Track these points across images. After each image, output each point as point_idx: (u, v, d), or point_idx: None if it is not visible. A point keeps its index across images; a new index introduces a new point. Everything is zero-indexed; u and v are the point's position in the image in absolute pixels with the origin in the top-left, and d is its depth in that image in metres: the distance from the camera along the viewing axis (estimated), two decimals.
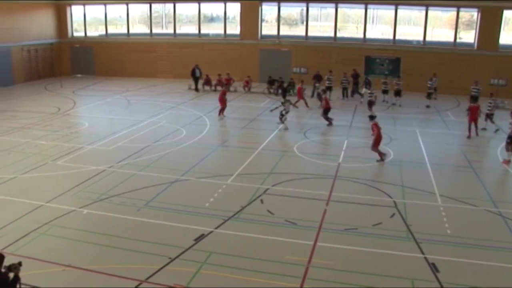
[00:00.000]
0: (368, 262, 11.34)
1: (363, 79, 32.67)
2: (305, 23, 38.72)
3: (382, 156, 18.99)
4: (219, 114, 26.18)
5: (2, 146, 21.07)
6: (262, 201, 14.92)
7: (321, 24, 41.29)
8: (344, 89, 32.17)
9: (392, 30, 36.59)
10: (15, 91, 35.93)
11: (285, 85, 33.43)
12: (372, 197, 15.26)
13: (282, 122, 24.08)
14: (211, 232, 12.88)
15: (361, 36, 37.35)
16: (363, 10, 36.98)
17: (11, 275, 8.28)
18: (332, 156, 19.61)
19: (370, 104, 27.17)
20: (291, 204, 14.85)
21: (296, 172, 17.62)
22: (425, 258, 11.51)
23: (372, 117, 20.40)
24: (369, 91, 28.05)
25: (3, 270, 8.21)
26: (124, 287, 10.33)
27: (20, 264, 8.36)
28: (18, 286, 8.38)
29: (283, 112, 24.11)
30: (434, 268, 11.04)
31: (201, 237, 12.57)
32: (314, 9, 39.59)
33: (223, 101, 26.29)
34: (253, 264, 11.18)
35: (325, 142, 21.70)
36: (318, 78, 32.51)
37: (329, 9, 38.72)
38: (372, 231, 12.93)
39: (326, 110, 25.18)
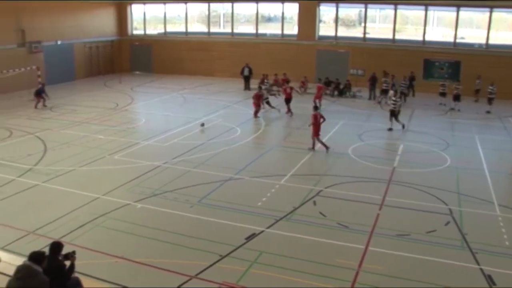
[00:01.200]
0: (420, 270, 11.14)
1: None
2: (363, 24, 38.33)
3: (325, 147, 20.32)
4: (255, 116, 26.25)
5: (63, 139, 21.84)
6: (314, 203, 14.92)
7: (379, 25, 40.75)
8: (402, 94, 30.95)
9: (453, 32, 35.64)
10: (76, 86, 37.12)
11: (341, 86, 33.27)
12: (426, 204, 14.99)
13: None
14: (262, 231, 12.98)
15: (420, 38, 36.58)
16: (423, 12, 36.17)
17: (68, 263, 8.63)
18: (387, 160, 19.38)
19: (392, 113, 24.31)
20: (344, 207, 14.78)
21: (350, 175, 17.51)
22: (481, 269, 11.19)
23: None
24: (394, 98, 25.28)
25: (60, 258, 8.57)
26: (174, 281, 10.56)
27: (74, 253, 8.72)
28: (73, 274, 8.74)
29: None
30: (490, 280, 10.73)
31: (252, 236, 12.69)
32: (372, 10, 39.08)
33: (257, 105, 26.34)
34: (303, 266, 11.21)
35: (381, 146, 21.44)
36: (373, 80, 32.00)
37: (388, 10, 38.12)
38: (426, 238, 12.71)
39: (287, 100, 27.39)
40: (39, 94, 28.86)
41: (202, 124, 23.82)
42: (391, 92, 28.98)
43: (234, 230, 13.08)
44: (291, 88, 28.48)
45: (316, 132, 20.36)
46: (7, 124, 24.64)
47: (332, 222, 13.56)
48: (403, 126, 23.87)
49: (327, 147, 20.26)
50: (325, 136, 22.44)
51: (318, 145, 20.36)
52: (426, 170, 18.30)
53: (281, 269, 11.02)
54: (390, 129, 23.94)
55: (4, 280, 7.99)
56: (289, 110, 27.20)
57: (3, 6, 32.83)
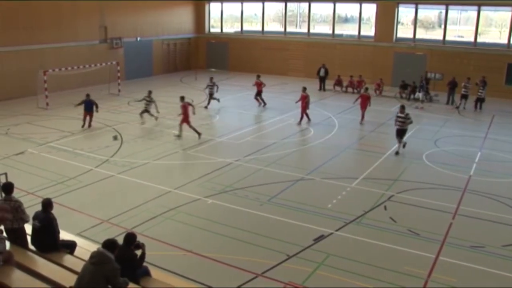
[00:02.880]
0: (493, 285, 10.70)
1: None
2: (443, 26, 37.17)
3: (197, 133, 21.81)
4: (307, 121, 25.45)
5: (138, 133, 22.50)
6: (385, 208, 14.64)
7: (461, 28, 39.42)
8: (478, 100, 29.78)
9: None
10: (153, 82, 38.08)
11: (417, 90, 32.46)
12: (503, 215, 14.33)
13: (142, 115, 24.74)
14: (331, 233, 12.87)
15: (505, 41, 35.01)
16: (510, 13, 34.59)
17: (139, 252, 8.89)
18: (463, 167, 18.68)
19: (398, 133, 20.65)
20: (415, 213, 14.41)
21: (423, 181, 17.05)
22: None
23: (182, 98, 22.21)
24: (400, 115, 22.54)
25: (132, 248, 8.84)
26: (240, 278, 10.64)
27: (143, 245, 8.99)
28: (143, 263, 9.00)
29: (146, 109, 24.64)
30: None
31: (321, 237, 12.61)
32: (454, 12, 37.84)
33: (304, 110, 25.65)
34: (370, 271, 11.03)
35: (457, 153, 20.74)
36: (453, 85, 30.91)
37: (470, 12, 36.83)
38: (502, 252, 12.16)
39: (258, 92, 29.10)
40: (90, 109, 23.66)
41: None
42: (418, 94, 30.44)
43: (302, 230, 13.05)
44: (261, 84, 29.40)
45: (186, 120, 21.72)
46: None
47: (402, 229, 13.25)
48: (404, 145, 20.54)
49: (199, 134, 21.82)
50: None
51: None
52: (505, 180, 17.53)
53: (348, 273, 10.89)
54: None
55: (79, 264, 8.31)
56: (262, 101, 29.34)
57: (89, 4, 34.27)
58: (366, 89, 26.84)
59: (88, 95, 23.82)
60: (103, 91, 32.55)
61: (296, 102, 26.15)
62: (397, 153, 20.16)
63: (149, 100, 24.73)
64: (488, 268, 11.30)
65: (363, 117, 25.63)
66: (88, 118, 23.65)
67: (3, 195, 9.98)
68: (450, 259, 11.66)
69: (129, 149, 20.12)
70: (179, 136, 21.68)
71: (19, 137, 21.43)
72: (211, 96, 28.82)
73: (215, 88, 28.79)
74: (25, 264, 8.86)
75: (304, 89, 25.48)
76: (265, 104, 29.28)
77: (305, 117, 25.30)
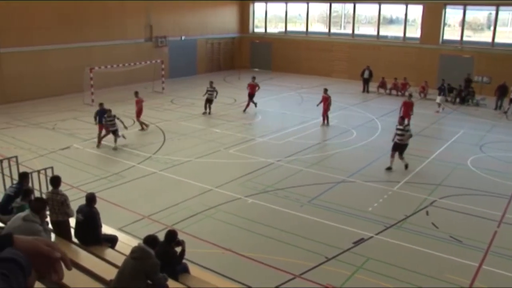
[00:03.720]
0: None
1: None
2: (492, 28, 36.25)
3: (143, 126, 22.72)
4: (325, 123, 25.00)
5: (181, 131, 22.74)
6: (427, 213, 14.38)
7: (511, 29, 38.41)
8: None
9: None
10: (197, 80, 38.41)
11: (463, 94, 31.78)
12: None
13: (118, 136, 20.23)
14: (371, 237, 12.73)
15: None
16: None
17: (178, 249, 8.98)
18: (510, 174, 18.16)
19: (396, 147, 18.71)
20: (458, 220, 14.11)
21: (468, 187, 16.66)
22: None
23: (136, 93, 23.13)
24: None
25: (172, 245, 8.94)
26: (278, 278, 10.63)
27: (183, 242, 9.08)
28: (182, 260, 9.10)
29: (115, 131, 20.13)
30: None
31: (361, 241, 12.48)
32: (504, 12, 36.83)
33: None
34: (409, 276, 10.85)
35: (504, 159, 20.21)
36: (503, 90, 30.04)
37: None
38: None
39: (250, 95, 27.45)
40: (102, 121, 20.33)
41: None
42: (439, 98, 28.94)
43: (342, 233, 12.94)
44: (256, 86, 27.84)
45: (139, 114, 22.72)
46: (132, 113, 26.02)
47: (444, 235, 12.99)
48: (406, 167, 18.25)
49: (146, 126, 22.69)
50: (443, 144, 21.58)
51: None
52: None
53: (387, 277, 10.74)
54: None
55: (120, 258, 8.45)
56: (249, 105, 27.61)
57: (135, 4, 34.86)
58: (410, 96, 24.77)
59: (101, 104, 20.84)
60: (147, 89, 33.04)
61: (318, 104, 25.13)
62: (389, 168, 17.99)
63: (212, 90, 25.94)
64: None
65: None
66: (104, 132, 20.31)
67: (51, 188, 10.25)
68: (494, 269, 11.36)
69: (171, 147, 20.36)
70: (143, 129, 22.73)
71: (65, 132, 21.96)
72: (209, 103, 26.38)
73: (215, 93, 26.49)
74: (68, 256, 9.06)
75: (326, 90, 24.98)
76: (255, 105, 27.80)
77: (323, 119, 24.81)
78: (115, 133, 19.88)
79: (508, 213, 14.57)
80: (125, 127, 20.85)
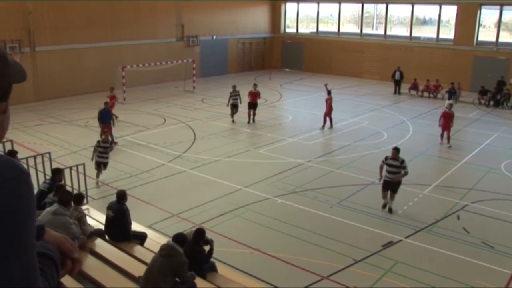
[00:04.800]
0: None
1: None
2: None
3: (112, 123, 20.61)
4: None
5: (212, 130, 22.83)
6: (458, 217, 14.15)
7: None
8: None
9: None
10: (227, 80, 38.48)
11: (498, 96, 31.19)
12: None
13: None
14: (400, 240, 12.59)
15: None
16: None
17: (207, 248, 9.03)
18: None
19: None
20: (491, 225, 13.84)
21: (501, 192, 16.33)
22: None
23: (112, 89, 23.03)
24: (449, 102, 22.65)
25: (201, 243, 8.99)
26: (305, 279, 10.59)
27: (211, 241, 9.12)
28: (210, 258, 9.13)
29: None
30: None
31: (389, 244, 12.35)
32: None
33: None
34: (438, 281, 10.68)
35: None
36: None
37: None
38: None
39: (250, 104, 24.59)
40: (107, 121, 19.70)
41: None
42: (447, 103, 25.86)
43: (371, 235, 12.83)
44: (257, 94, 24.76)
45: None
46: (162, 111, 26.31)
47: (476, 240, 12.76)
48: (390, 210, 14.43)
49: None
50: (476, 148, 21.20)
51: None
52: None
53: (415, 282, 10.61)
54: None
55: (149, 255, 8.53)
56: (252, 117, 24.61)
57: (166, 3, 35.19)
58: (451, 105, 22.13)
59: (106, 103, 20.10)
60: (179, 88, 33.32)
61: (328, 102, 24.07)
62: (385, 207, 14.49)
63: (236, 94, 24.49)
64: None
65: (448, 138, 21.43)
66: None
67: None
68: None
69: (201, 146, 20.46)
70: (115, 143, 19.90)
71: (97, 130, 22.18)
72: (235, 108, 24.71)
73: (239, 98, 24.68)
74: (98, 251, 9.18)
75: (329, 92, 24.17)
76: (254, 120, 24.66)
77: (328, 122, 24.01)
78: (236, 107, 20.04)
79: None
80: (240, 102, 24.25)
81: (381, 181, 14.44)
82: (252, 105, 24.48)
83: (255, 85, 25.40)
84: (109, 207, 9.96)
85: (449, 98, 28.04)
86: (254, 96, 24.44)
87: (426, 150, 21.14)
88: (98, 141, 16.28)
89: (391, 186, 14.21)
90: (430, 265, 11.40)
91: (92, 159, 16.06)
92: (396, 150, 14.09)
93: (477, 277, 10.96)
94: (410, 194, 15.80)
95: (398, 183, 14.24)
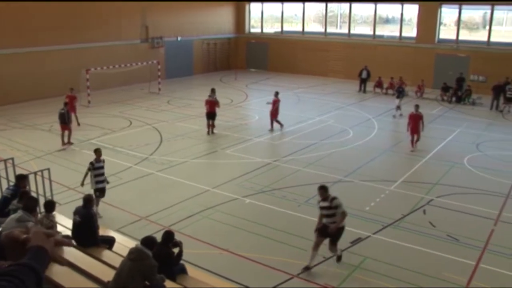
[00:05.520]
0: None
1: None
2: (488, 27, 36.30)
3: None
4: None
5: (178, 131, 22.73)
6: (424, 212, 14.41)
7: (507, 28, 38.43)
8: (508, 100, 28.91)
9: None
10: (193, 81, 38.47)
11: (460, 93, 31.83)
12: None
13: None
14: (368, 236, 12.75)
15: None
16: None
17: (176, 250, 8.99)
18: (507, 173, 18.18)
19: None
20: (455, 218, 14.13)
21: (464, 185, 16.70)
22: None
23: (71, 89, 22.79)
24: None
25: (170, 245, 8.95)
26: (276, 278, 10.63)
27: (180, 242, 9.08)
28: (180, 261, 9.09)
29: None
30: None
31: (358, 240, 12.50)
32: (499, 12, 36.89)
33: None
34: (407, 276, 10.87)
35: (500, 157, 20.26)
36: (498, 89, 30.03)
37: None
38: None
39: (209, 114, 22.39)
40: (65, 121, 20.41)
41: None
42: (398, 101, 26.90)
43: None
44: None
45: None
46: (128, 114, 26.07)
47: (441, 234, 13.02)
48: (339, 258, 11.50)
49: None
50: (440, 144, 21.60)
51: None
52: None
53: (384, 276, 10.76)
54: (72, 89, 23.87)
55: (118, 260, 8.44)
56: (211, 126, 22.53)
57: (131, 4, 34.85)
58: (417, 106, 21.03)
59: (65, 104, 20.78)
60: (144, 90, 33.07)
61: (270, 106, 23.69)
62: (307, 268, 11.00)
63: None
64: None
65: (414, 141, 20.61)
66: (66, 132, 20.43)
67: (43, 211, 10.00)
68: (491, 267, 11.39)
69: (168, 148, 20.34)
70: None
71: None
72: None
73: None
74: (65, 257, 9.04)
75: (277, 93, 23.66)
76: (213, 131, 22.59)
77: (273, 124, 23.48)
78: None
79: (504, 211, 14.61)
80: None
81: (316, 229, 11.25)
82: (211, 115, 22.33)
83: (212, 91, 22.81)
84: (76, 212, 9.82)
85: (398, 97, 27.41)
86: (212, 105, 22.27)
87: (391, 147, 21.46)
88: (91, 163, 13.96)
89: (328, 233, 10.99)
90: (398, 259, 11.57)
91: (81, 184, 14.08)
92: (323, 189, 11.07)
93: (443, 269, 11.17)
94: (377, 190, 16.02)
95: (338, 230, 11.02)
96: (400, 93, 27.64)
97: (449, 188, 16.45)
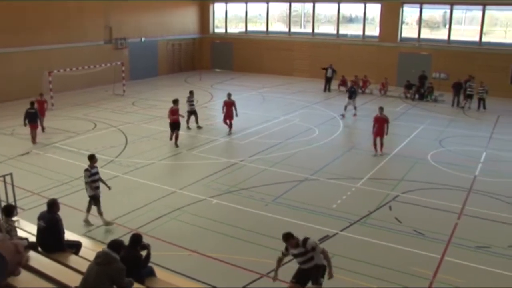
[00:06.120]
0: (500, 285, 10.69)
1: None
2: (447, 26, 37.05)
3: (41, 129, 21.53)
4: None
5: (144, 133, 22.54)
6: (390, 208, 14.62)
7: (465, 27, 39.27)
8: (480, 100, 29.54)
9: None
10: (158, 82, 38.20)
11: (422, 90, 32.40)
12: (509, 216, 14.23)
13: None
14: (336, 234, 12.87)
15: (510, 41, 34.80)
16: None
17: (144, 253, 8.92)
18: (468, 167, 18.60)
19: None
20: (421, 213, 14.38)
21: (428, 181, 17.00)
22: None
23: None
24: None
25: (138, 248, 8.87)
26: (245, 278, 10.64)
27: (148, 245, 9.02)
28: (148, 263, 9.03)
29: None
30: None
31: (326, 238, 12.60)
32: (458, 11, 37.66)
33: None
34: (375, 271, 11.01)
35: (462, 153, 20.68)
36: (458, 86, 30.64)
37: (475, 11, 36.66)
38: (508, 252, 12.12)
39: (173, 125, 20.42)
40: (34, 120, 20.89)
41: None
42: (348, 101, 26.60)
43: (307, 230, 12.94)
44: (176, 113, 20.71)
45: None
46: (93, 116, 25.73)
47: (407, 229, 13.23)
48: None
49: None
50: (404, 140, 21.94)
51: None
52: (511, 180, 17.47)
53: (353, 273, 10.87)
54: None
55: (85, 264, 8.33)
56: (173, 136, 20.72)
57: (94, 5, 34.37)
58: (381, 109, 20.13)
59: (32, 103, 21.09)
60: (108, 92, 32.69)
61: (223, 112, 23.01)
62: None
63: (191, 100, 23.08)
64: (494, 269, 11.28)
65: (377, 145, 19.89)
66: (34, 131, 20.88)
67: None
68: (456, 260, 11.64)
69: (134, 150, 20.15)
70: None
71: (24, 138, 21.46)
72: (193, 114, 23.34)
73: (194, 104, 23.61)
74: (31, 264, 8.88)
75: (229, 95, 23.26)
76: (176, 144, 20.60)
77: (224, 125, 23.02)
78: (96, 200, 13.47)
79: (467, 205, 14.94)
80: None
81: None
82: (174, 125, 20.52)
83: (175, 101, 20.80)
84: (40, 217, 9.64)
85: (350, 98, 26.89)
86: (176, 114, 20.55)
87: (357, 144, 21.68)
88: (88, 170, 13.36)
89: (308, 276, 9.42)
90: (366, 255, 11.71)
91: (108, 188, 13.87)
92: (288, 236, 9.31)
93: (410, 264, 11.35)
94: (343, 188, 16.17)
95: (317, 269, 9.29)
96: (352, 93, 27.02)
97: (414, 184, 16.72)
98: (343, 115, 26.67)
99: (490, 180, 17.33)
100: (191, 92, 23.58)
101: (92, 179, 13.36)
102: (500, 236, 13.04)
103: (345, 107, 26.82)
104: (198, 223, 13.41)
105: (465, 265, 11.43)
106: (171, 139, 20.71)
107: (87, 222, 13.34)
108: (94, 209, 13.24)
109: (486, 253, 12.03)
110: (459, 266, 11.37)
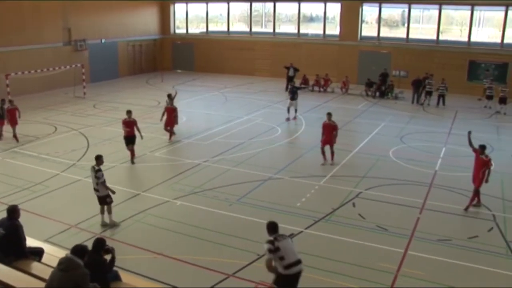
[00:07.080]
0: (461, 277, 10.93)
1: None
2: (406, 25, 37.73)
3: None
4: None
5: (104, 136, 22.25)
6: (354, 205, 14.79)
7: (423, 26, 40.03)
8: (440, 96, 30.27)
9: (501, 33, 34.57)
10: (119, 83, 37.77)
11: (383, 88, 32.90)
12: (469, 209, 14.65)
13: None
14: (301, 232, 12.95)
15: (466, 39, 35.74)
16: (469, 12, 35.20)
17: (108, 257, 8.80)
18: (429, 163, 18.99)
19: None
20: (384, 209, 14.59)
21: (391, 177, 17.27)
22: None
23: (11, 101, 21.98)
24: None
25: (101, 253, 8.75)
26: (211, 279, 10.62)
27: (112, 249, 8.89)
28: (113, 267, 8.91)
29: None
30: None
31: (291, 236, 12.60)
32: (416, 10, 38.39)
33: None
34: (341, 268, 11.12)
35: (422, 149, 21.06)
36: (417, 83, 31.23)
37: (432, 10, 37.46)
38: (468, 244, 12.43)
39: (127, 138, 18.76)
40: (2, 116, 21.64)
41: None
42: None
43: None
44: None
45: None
46: (53, 119, 25.27)
47: (371, 225, 13.41)
48: None
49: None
50: (366, 138, 22.24)
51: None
52: (469, 174, 17.78)
53: (319, 270, 10.95)
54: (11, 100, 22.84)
55: (48, 271, 8.18)
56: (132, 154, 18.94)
57: (51, 5, 33.72)
58: (329, 115, 19.08)
59: (2, 101, 21.65)
60: (68, 94, 32.17)
61: (161, 119, 21.96)
62: None
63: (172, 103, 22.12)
64: (455, 260, 11.54)
65: (332, 154, 18.78)
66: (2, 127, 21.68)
67: None
68: (419, 253, 11.85)
69: (96, 153, 19.68)
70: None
71: None
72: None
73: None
74: None
75: (169, 95, 22.50)
76: (132, 161, 18.75)
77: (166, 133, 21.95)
78: (107, 201, 13.46)
79: (428, 199, 15.25)
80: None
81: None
82: (129, 139, 18.74)
83: (129, 112, 18.87)
84: (0, 224, 9.43)
85: (292, 99, 25.81)
86: (130, 126, 18.57)
87: (319, 143, 21.79)
88: (99, 169, 13.29)
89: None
90: (331, 252, 11.82)
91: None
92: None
93: (375, 259, 11.50)
94: (307, 186, 16.29)
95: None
96: (294, 93, 25.96)
97: (376, 180, 16.97)
98: (288, 119, 25.77)
99: (449, 174, 17.72)
100: (169, 96, 22.68)
101: (104, 178, 13.29)
102: (460, 229, 13.39)
103: (288, 109, 25.89)
104: (162, 225, 13.32)
105: (428, 258, 11.65)
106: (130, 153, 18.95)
107: (106, 225, 13.25)
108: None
109: (447, 246, 12.30)
110: (422, 259, 11.57)
